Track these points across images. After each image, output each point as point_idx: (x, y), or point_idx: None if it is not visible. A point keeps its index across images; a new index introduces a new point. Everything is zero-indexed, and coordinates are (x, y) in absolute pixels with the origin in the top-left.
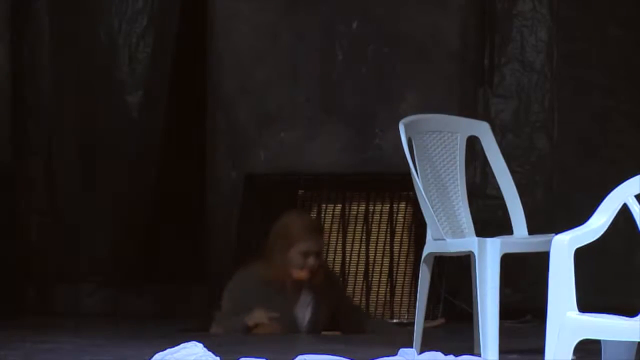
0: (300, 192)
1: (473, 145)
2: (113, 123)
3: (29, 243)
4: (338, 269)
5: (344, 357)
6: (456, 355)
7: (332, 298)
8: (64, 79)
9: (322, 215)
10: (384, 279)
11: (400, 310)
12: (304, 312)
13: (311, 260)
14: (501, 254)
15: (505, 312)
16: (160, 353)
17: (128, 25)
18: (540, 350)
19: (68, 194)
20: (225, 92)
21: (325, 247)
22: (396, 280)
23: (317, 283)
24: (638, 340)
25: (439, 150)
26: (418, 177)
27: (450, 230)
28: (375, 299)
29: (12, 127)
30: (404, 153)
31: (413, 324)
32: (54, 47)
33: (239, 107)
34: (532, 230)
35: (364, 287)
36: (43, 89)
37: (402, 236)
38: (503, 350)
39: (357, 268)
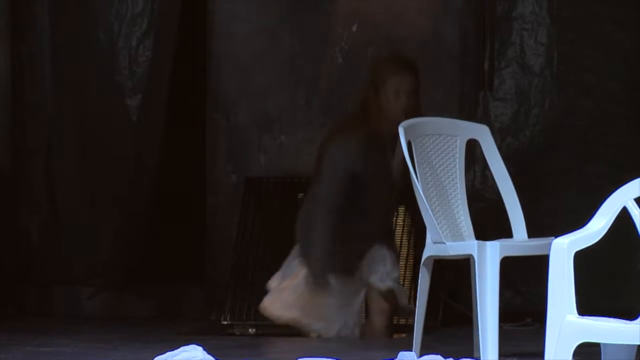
0: (300, 195)
1: (473, 149)
2: (113, 126)
3: (29, 245)
4: None
5: None
6: (456, 358)
7: None
8: (63, 81)
9: None
10: None
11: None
12: (396, 166)
13: (404, 99)
14: (501, 257)
15: (505, 315)
16: (160, 356)
17: (128, 28)
18: (540, 354)
19: (68, 196)
20: (225, 95)
21: None
22: None
23: None
24: (638, 343)
25: (439, 153)
26: (418, 180)
27: (449, 234)
28: None
29: (11, 129)
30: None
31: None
32: (53, 50)
33: (238, 110)
34: (531, 234)
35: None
36: (43, 91)
37: (401, 239)
38: (503, 354)
39: None
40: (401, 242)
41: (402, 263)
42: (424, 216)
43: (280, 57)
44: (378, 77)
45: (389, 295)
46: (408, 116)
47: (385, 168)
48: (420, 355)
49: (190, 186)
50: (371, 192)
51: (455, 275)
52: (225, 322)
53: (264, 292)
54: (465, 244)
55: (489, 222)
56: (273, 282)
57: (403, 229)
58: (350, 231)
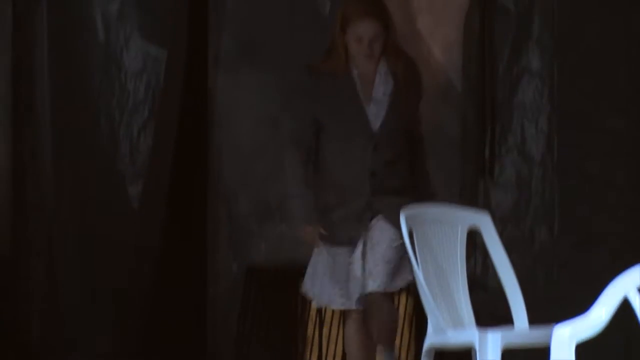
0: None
1: (474, 236)
2: (114, 214)
3: (29, 338)
4: None
5: None
6: None
7: (414, 93)
8: (65, 173)
9: (323, 308)
10: None
11: None
12: (377, 106)
13: (365, 46)
14: (502, 347)
15: None
16: None
17: (129, 116)
18: None
19: (68, 289)
20: (225, 183)
21: (328, 329)
22: None
23: (395, 71)
24: None
25: (440, 241)
26: (419, 268)
27: (451, 322)
28: None
29: (12, 223)
30: (404, 244)
31: None
32: (55, 141)
33: (239, 199)
34: (533, 322)
35: None
36: (44, 184)
37: (402, 328)
38: None
39: None
40: (402, 331)
41: (403, 352)
42: (424, 304)
43: (280, 145)
44: (343, 20)
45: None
46: (374, 61)
47: (357, 112)
48: None
49: (191, 275)
50: (341, 138)
51: None
52: None
53: None
54: (466, 333)
55: (490, 310)
56: None
57: (404, 318)
58: (326, 181)
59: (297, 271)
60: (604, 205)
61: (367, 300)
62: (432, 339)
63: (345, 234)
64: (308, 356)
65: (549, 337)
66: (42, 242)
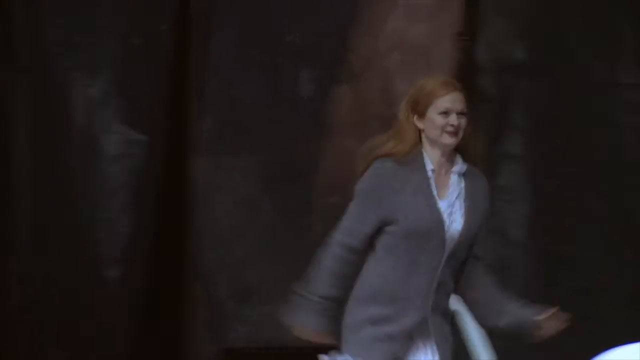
0: None
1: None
2: (90, 298)
3: None
4: None
5: None
6: None
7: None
8: (43, 254)
9: None
10: None
11: None
12: (452, 209)
13: (453, 119)
14: None
15: None
16: None
17: (108, 200)
18: None
19: None
20: (204, 265)
21: None
22: None
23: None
24: None
25: None
26: None
27: None
28: None
29: None
30: None
31: None
32: (33, 223)
33: (218, 281)
34: None
35: None
36: (21, 266)
37: None
38: None
39: None
40: None
41: None
42: None
43: (260, 228)
44: (424, 97)
45: None
46: (459, 140)
47: (431, 212)
48: None
49: (168, 358)
50: (408, 240)
51: None
52: None
53: None
54: None
55: None
56: None
57: None
58: (375, 288)
59: (276, 353)
60: (586, 289)
61: None
62: None
63: (384, 355)
64: None
65: None
66: (21, 323)
